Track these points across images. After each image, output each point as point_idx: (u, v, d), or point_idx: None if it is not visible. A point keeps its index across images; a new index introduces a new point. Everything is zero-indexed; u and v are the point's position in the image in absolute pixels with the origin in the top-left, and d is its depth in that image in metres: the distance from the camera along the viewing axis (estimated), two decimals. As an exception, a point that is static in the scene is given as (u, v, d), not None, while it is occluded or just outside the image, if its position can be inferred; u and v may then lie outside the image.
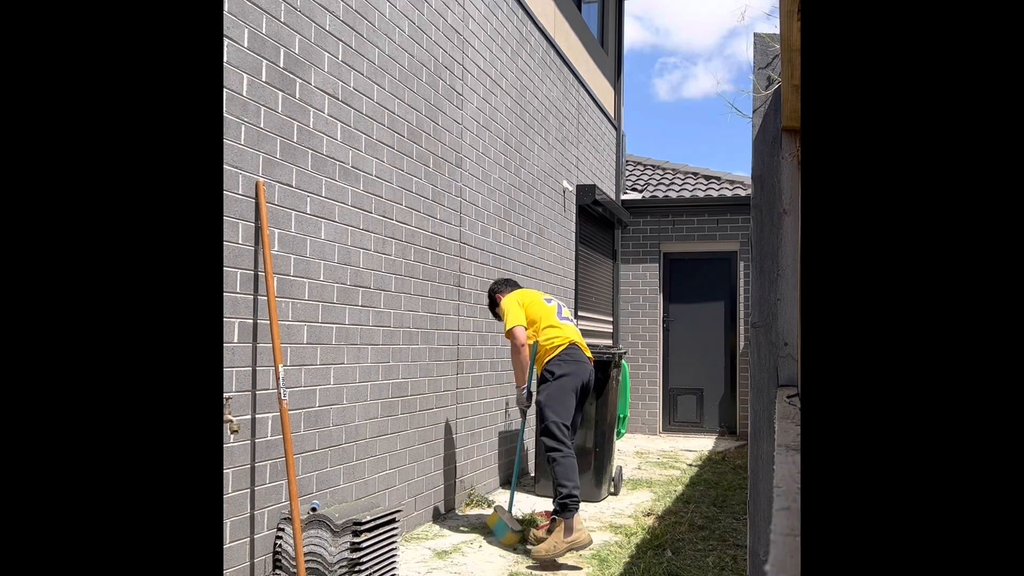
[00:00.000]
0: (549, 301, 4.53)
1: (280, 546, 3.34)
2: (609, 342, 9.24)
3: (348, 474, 3.93)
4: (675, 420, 9.73)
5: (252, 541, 3.27)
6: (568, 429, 4.25)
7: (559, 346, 4.35)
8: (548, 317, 4.43)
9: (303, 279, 3.57)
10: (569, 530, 4.02)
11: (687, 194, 9.74)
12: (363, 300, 4.06)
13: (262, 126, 3.30)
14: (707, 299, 9.64)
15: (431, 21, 4.81)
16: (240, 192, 3.17)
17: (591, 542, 4.10)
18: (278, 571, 3.34)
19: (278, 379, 3.23)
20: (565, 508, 4.05)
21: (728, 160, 59.77)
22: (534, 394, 4.47)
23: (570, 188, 7.68)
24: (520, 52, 6.34)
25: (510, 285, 4.74)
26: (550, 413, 4.22)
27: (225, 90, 3.09)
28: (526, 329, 4.37)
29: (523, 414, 4.80)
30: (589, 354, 4.47)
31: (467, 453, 5.33)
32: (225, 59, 3.09)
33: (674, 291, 9.76)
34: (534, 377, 4.53)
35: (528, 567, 3.97)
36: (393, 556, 3.55)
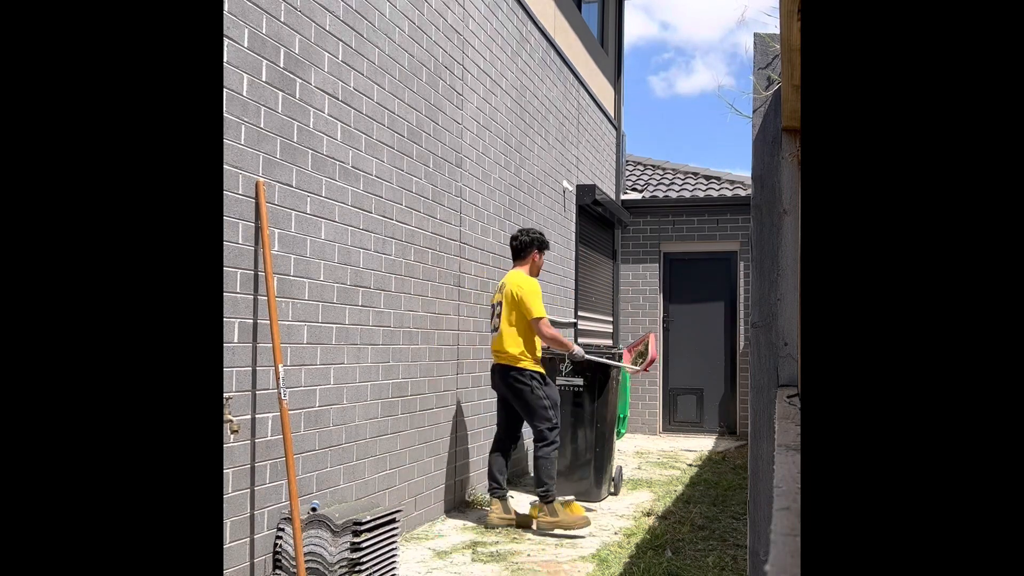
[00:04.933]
0: (492, 308, 4.95)
1: (280, 546, 3.34)
2: (609, 342, 9.23)
3: (348, 474, 3.93)
4: (675, 420, 9.73)
5: (252, 541, 3.27)
6: (499, 428, 5.00)
7: None
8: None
9: (303, 279, 3.57)
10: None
11: (687, 194, 9.73)
12: (363, 300, 4.06)
13: (262, 126, 3.30)
14: (707, 299, 9.64)
15: (431, 21, 4.80)
16: (240, 192, 3.17)
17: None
18: (278, 571, 3.34)
19: (278, 379, 3.23)
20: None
21: (727, 157, 59.76)
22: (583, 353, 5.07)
23: (570, 188, 7.68)
24: (520, 52, 6.34)
25: (528, 251, 4.97)
26: None
27: (225, 90, 3.09)
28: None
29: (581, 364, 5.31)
30: (495, 360, 4.83)
31: (467, 453, 5.33)
32: (225, 59, 3.09)
33: (674, 291, 9.76)
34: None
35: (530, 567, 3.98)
36: (393, 556, 3.55)
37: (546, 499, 4.63)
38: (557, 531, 4.58)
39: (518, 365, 4.69)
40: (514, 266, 5.00)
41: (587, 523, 4.60)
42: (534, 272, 4.94)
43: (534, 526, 4.66)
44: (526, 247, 4.93)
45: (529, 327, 4.71)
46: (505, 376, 4.73)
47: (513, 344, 4.70)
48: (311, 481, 3.62)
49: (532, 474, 4.93)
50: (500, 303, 4.79)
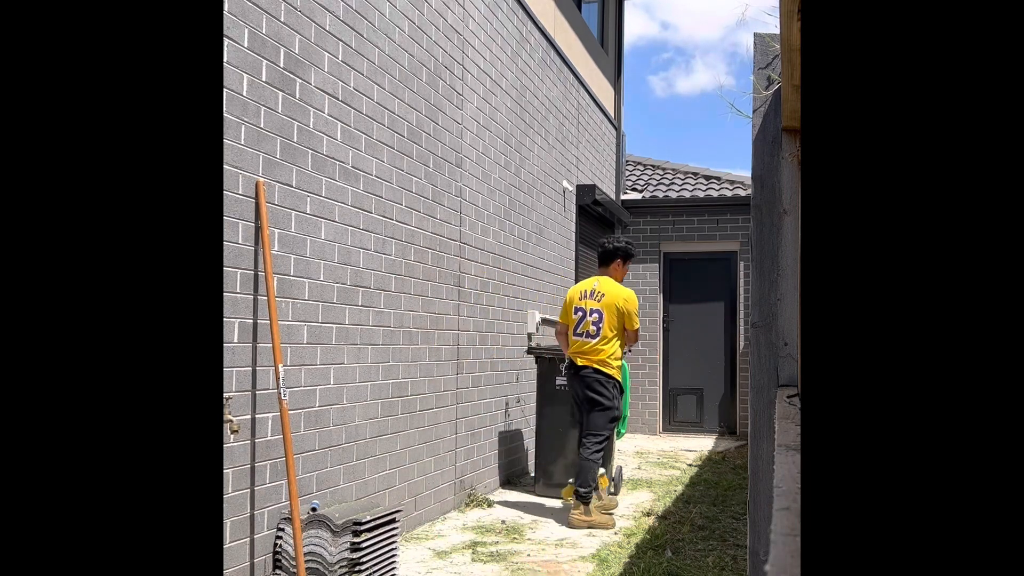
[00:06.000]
0: (576, 312, 4.99)
1: (280, 546, 3.34)
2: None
3: (348, 474, 3.93)
4: (675, 420, 9.73)
5: (252, 541, 3.27)
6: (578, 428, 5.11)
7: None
8: (570, 329, 5.03)
9: (303, 279, 3.57)
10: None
11: (687, 194, 9.73)
12: (363, 300, 4.06)
13: (262, 126, 3.30)
14: (707, 299, 9.64)
15: (431, 21, 4.81)
16: (240, 192, 3.17)
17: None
18: (278, 571, 3.34)
19: (278, 379, 3.23)
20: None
21: (727, 157, 59.78)
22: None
23: (570, 188, 7.68)
24: (520, 52, 6.34)
25: (611, 258, 5.11)
26: None
27: (225, 90, 3.09)
28: (564, 324, 5.13)
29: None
30: (583, 361, 4.91)
31: (467, 453, 5.33)
32: (225, 59, 3.09)
33: (674, 291, 9.75)
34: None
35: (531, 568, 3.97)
36: (393, 556, 3.55)
37: (587, 500, 4.81)
38: (585, 528, 4.75)
39: (608, 372, 4.89)
40: (600, 271, 5.16)
41: (613, 525, 4.80)
42: (619, 280, 5.11)
43: (571, 521, 4.79)
44: (611, 255, 5.10)
45: (621, 337, 4.96)
46: (592, 380, 4.87)
47: (613, 353, 4.91)
48: (311, 481, 3.62)
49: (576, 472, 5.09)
50: (598, 311, 4.90)
